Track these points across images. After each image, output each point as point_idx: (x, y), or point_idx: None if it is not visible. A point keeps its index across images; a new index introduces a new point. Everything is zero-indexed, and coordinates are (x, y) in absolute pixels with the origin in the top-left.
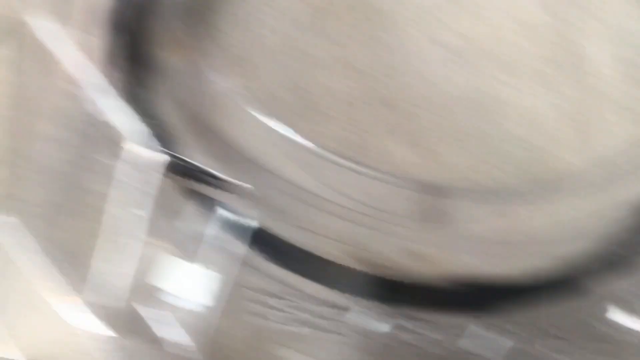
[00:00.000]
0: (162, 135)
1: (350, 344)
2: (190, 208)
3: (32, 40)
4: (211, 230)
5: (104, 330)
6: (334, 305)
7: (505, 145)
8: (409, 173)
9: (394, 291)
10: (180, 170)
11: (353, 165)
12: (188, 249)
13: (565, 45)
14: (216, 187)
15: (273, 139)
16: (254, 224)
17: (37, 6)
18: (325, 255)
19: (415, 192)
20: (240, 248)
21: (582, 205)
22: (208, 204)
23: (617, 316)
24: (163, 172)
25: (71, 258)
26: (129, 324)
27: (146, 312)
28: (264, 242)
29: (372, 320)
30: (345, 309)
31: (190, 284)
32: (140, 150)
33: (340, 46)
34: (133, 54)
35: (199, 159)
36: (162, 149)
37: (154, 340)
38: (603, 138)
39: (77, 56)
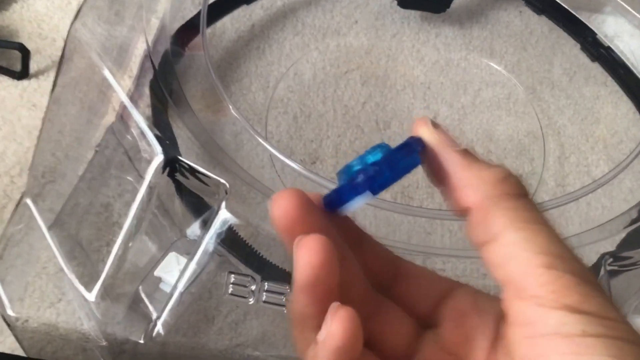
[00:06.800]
0: (171, 149)
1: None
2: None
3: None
4: (195, 227)
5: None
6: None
7: None
8: None
9: None
10: (177, 169)
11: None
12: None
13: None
14: (205, 184)
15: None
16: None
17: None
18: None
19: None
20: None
21: None
22: (197, 203)
23: None
24: (164, 171)
25: (88, 250)
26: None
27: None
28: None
29: None
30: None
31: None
32: (153, 157)
33: (343, 106)
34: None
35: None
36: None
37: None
38: None
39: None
